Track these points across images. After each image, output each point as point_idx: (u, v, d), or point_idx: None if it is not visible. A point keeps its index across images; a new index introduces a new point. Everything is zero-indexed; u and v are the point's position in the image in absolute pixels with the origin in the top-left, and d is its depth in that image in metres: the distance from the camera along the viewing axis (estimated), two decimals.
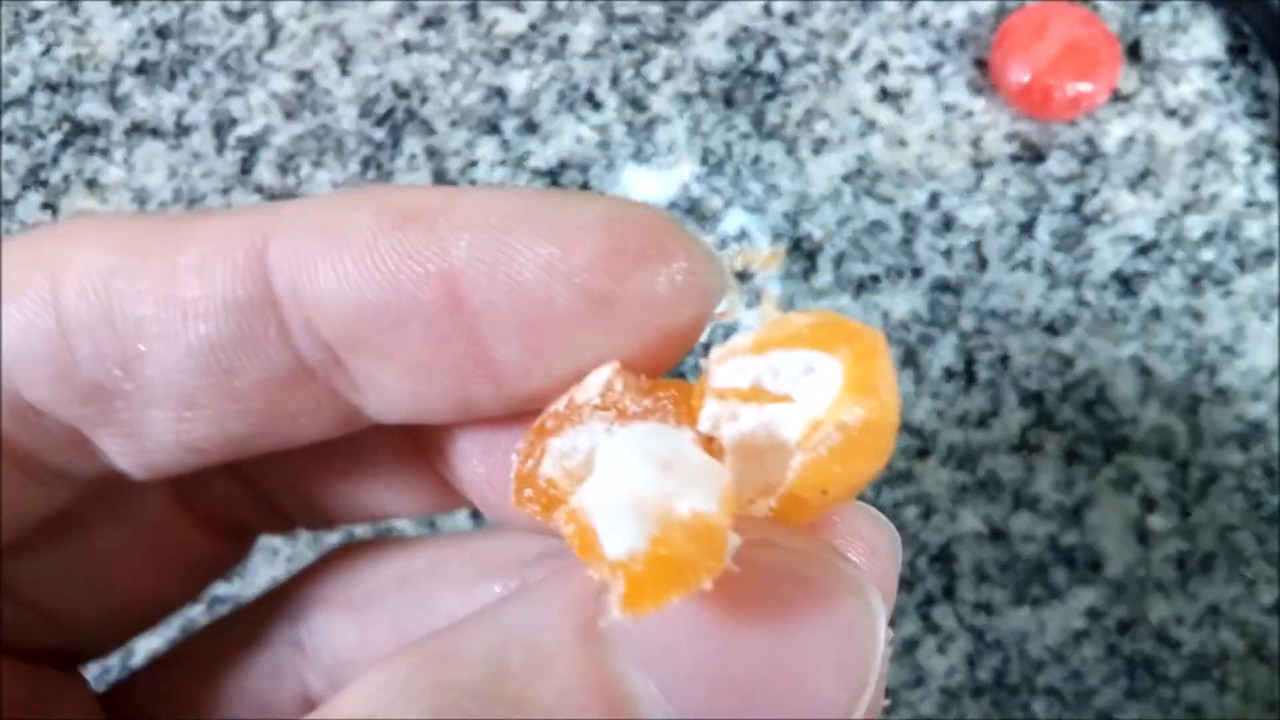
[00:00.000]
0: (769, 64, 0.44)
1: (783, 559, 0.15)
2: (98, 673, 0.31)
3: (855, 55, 0.44)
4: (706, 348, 0.17)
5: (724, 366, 0.16)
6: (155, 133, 0.45)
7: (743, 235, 0.42)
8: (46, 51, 0.46)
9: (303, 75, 0.45)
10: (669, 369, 0.18)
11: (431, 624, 0.21)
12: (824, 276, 0.42)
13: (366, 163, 0.44)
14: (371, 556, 0.23)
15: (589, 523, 0.14)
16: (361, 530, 0.37)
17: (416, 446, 0.21)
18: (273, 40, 0.45)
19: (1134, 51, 0.44)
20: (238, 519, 0.22)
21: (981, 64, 0.44)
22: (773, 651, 0.14)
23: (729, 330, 0.41)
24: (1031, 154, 0.43)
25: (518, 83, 0.45)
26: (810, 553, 0.15)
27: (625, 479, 0.14)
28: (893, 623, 0.15)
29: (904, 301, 0.42)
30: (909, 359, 0.41)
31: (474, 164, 0.44)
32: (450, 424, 0.20)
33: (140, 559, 0.21)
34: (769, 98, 0.44)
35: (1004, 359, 0.41)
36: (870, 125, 0.43)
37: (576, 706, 0.14)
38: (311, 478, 0.22)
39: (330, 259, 0.17)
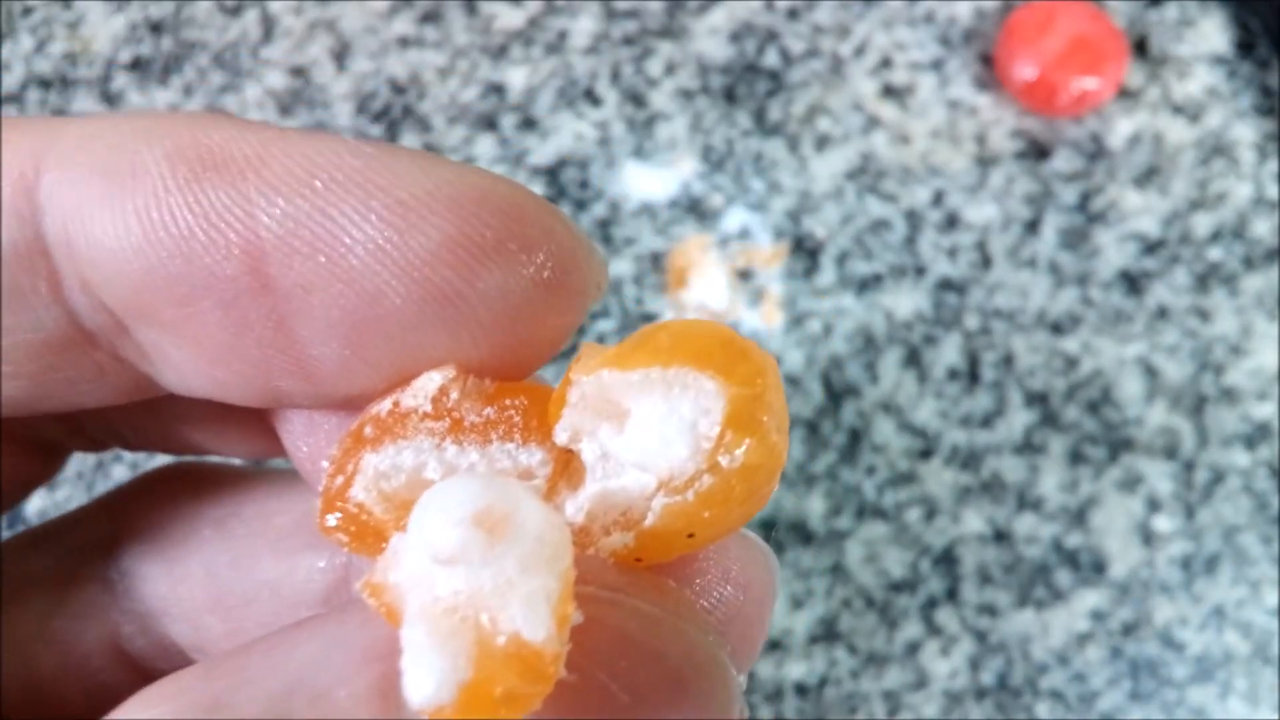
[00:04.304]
0: (771, 59, 0.44)
1: (629, 625, 0.12)
2: None
3: (859, 51, 0.44)
4: (573, 348, 0.15)
5: (589, 376, 0.14)
6: None
7: (744, 233, 0.42)
8: (39, 48, 0.45)
9: (298, 71, 0.44)
10: (524, 376, 0.16)
11: (246, 591, 0.18)
12: (826, 275, 0.42)
13: None
14: (195, 490, 0.20)
15: (394, 606, 0.12)
16: None
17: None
18: (268, 35, 0.45)
19: (1141, 47, 0.43)
20: (42, 437, 0.19)
21: (986, 60, 0.43)
22: None
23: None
24: (1037, 151, 0.43)
25: (516, 79, 0.44)
26: (661, 620, 0.13)
27: (438, 565, 0.12)
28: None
29: (907, 300, 0.41)
30: (912, 359, 0.41)
31: (472, 161, 0.44)
32: None
33: None
34: (771, 94, 0.43)
35: (1008, 359, 0.41)
36: (873, 122, 0.43)
37: None
38: (113, 409, 0.19)
39: (110, 209, 0.13)
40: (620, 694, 0.12)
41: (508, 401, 0.15)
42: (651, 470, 0.14)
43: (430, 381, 0.14)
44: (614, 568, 0.14)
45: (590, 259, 0.15)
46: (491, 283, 0.14)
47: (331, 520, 0.14)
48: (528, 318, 0.14)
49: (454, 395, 0.14)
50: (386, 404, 0.14)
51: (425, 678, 0.11)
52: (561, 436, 0.14)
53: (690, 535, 0.14)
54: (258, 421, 0.18)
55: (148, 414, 0.18)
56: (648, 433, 0.13)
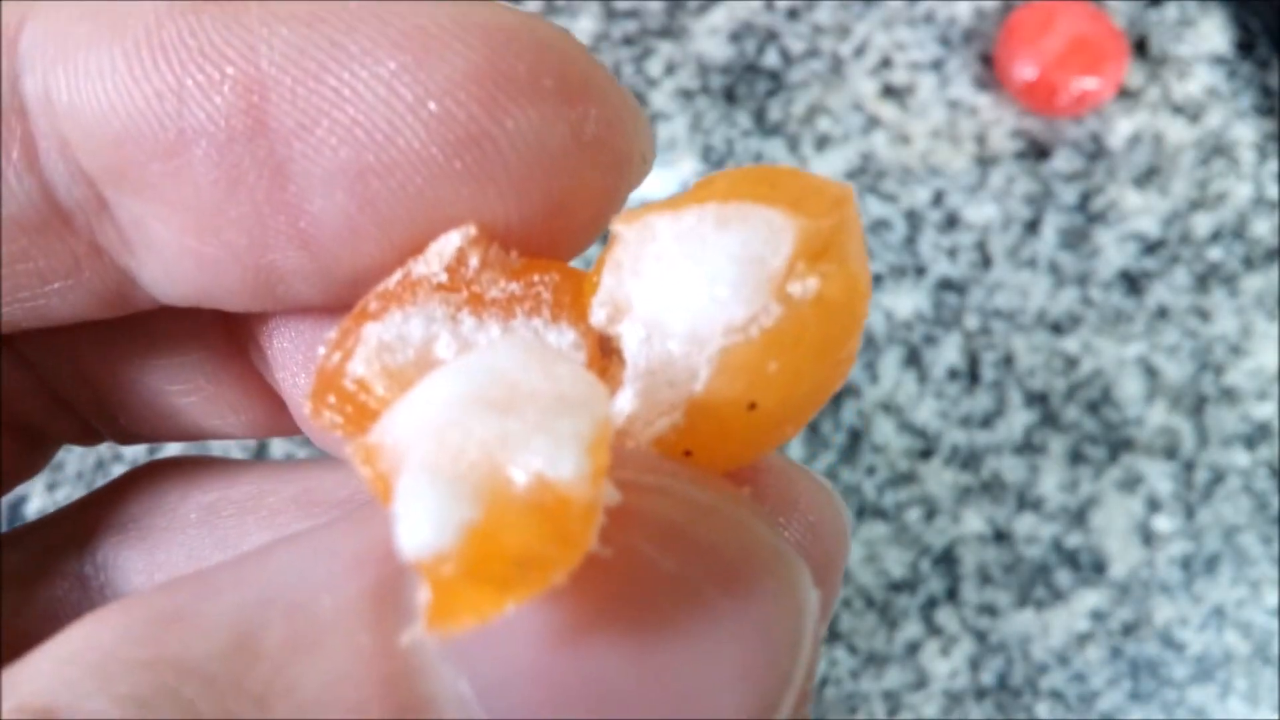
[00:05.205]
0: (771, 59, 0.44)
1: (676, 515, 0.10)
2: None
3: (859, 51, 0.44)
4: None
5: (632, 229, 0.12)
6: None
7: None
8: None
9: None
10: (566, 258, 0.13)
11: None
12: None
13: None
14: (182, 479, 0.18)
15: (389, 475, 0.10)
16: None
17: (232, 343, 0.16)
18: None
19: (1141, 47, 0.43)
20: (28, 422, 0.18)
21: (986, 60, 0.43)
22: (649, 653, 0.10)
23: None
24: (1037, 151, 0.43)
25: None
26: (716, 508, 0.10)
27: (449, 414, 0.09)
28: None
29: (908, 300, 0.41)
30: (912, 359, 0.41)
31: None
32: (262, 314, 0.15)
33: None
34: (771, 94, 0.43)
35: (1008, 359, 0.41)
36: (873, 122, 0.43)
37: (348, 706, 0.09)
38: (101, 373, 0.17)
39: (96, 51, 0.12)
40: (668, 571, 0.10)
41: (536, 278, 0.12)
42: (705, 335, 0.11)
43: (447, 243, 0.12)
44: (659, 456, 0.11)
45: (638, 121, 0.13)
46: (523, 123, 0.12)
47: (330, 399, 0.12)
48: (564, 175, 0.12)
49: (473, 263, 0.12)
50: (396, 276, 0.12)
51: (422, 519, 0.09)
52: (599, 314, 0.12)
53: (751, 406, 0.11)
54: (256, 382, 0.17)
55: (136, 373, 0.17)
56: (702, 282, 0.11)
